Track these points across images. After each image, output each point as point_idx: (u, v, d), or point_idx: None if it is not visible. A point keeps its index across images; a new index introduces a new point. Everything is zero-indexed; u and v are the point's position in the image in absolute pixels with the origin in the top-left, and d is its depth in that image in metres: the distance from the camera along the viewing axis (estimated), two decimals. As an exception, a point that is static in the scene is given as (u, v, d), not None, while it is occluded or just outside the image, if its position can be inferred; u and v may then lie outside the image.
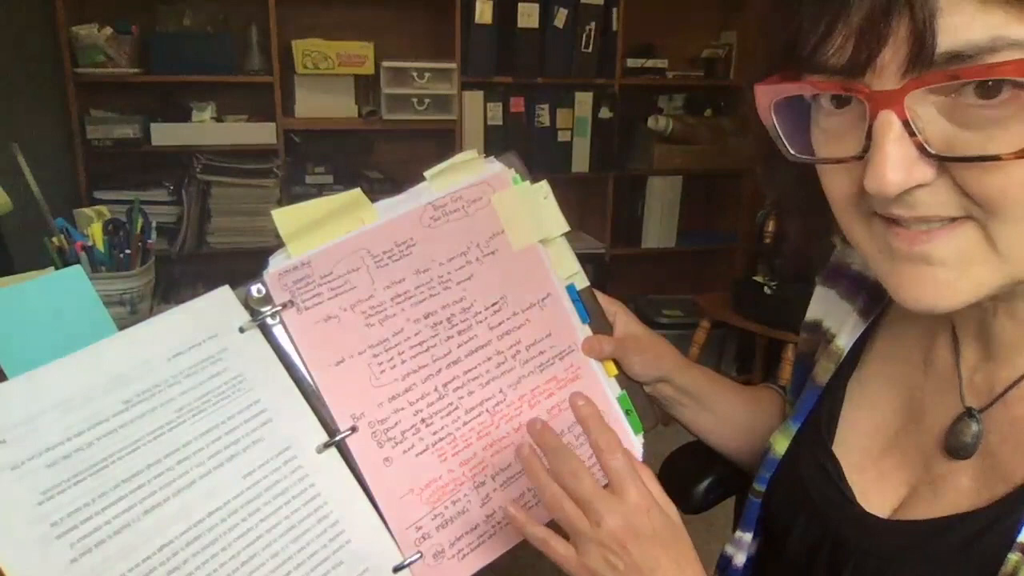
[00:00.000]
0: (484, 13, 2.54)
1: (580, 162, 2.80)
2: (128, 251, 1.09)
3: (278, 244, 0.64)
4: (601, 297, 0.78)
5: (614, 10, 2.67)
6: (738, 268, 2.93)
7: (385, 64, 2.49)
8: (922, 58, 0.41)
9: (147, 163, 2.48)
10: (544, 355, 0.72)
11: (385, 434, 0.65)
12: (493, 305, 0.71)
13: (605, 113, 2.76)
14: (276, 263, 0.64)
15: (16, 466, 0.52)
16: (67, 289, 0.63)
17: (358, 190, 0.67)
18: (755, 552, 0.72)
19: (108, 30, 2.26)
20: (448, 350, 0.68)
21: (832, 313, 0.71)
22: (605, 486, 0.58)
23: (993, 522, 0.51)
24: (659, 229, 3.00)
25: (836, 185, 0.50)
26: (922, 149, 0.43)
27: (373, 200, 0.68)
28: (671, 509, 0.59)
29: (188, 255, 2.43)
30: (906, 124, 0.43)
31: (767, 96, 0.50)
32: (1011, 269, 0.45)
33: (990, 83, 0.41)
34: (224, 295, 0.63)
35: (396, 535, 0.64)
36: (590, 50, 2.69)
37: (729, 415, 0.82)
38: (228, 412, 0.60)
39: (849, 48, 0.43)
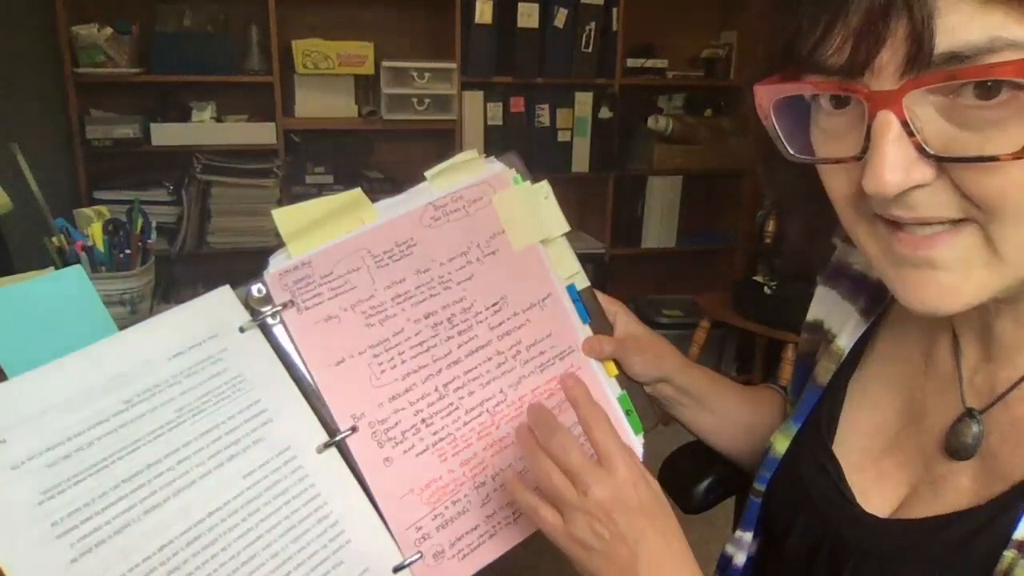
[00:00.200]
0: (484, 13, 2.54)
1: (580, 162, 2.80)
2: (128, 251, 1.09)
3: (278, 244, 0.64)
4: (601, 297, 0.78)
5: (614, 10, 2.67)
6: (738, 268, 2.93)
7: (385, 64, 2.49)
8: (920, 59, 0.41)
9: (147, 163, 2.48)
10: (544, 355, 0.72)
11: (385, 434, 0.65)
12: (493, 305, 0.71)
13: (605, 113, 2.76)
14: (276, 263, 0.64)
15: (16, 466, 0.52)
16: (67, 289, 0.63)
17: (358, 190, 0.67)
18: (755, 552, 0.72)
19: (108, 30, 2.26)
20: (448, 350, 0.68)
21: (833, 313, 0.71)
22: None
23: (990, 520, 0.51)
24: (659, 229, 2.99)
25: (837, 185, 0.50)
26: (921, 150, 0.43)
27: (373, 200, 0.68)
28: (655, 485, 0.59)
29: (188, 255, 2.43)
30: (904, 124, 0.43)
31: (766, 96, 0.50)
32: (1013, 271, 0.45)
33: (989, 84, 0.41)
34: (224, 295, 0.63)
35: (396, 535, 0.64)
36: (590, 50, 2.69)
37: (729, 415, 0.82)
38: (228, 412, 0.60)
39: (848, 48, 0.43)
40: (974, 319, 0.56)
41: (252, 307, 0.63)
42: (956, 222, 0.45)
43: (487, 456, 0.68)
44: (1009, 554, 0.49)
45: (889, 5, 0.41)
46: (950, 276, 0.46)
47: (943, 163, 0.43)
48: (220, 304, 0.63)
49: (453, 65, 2.55)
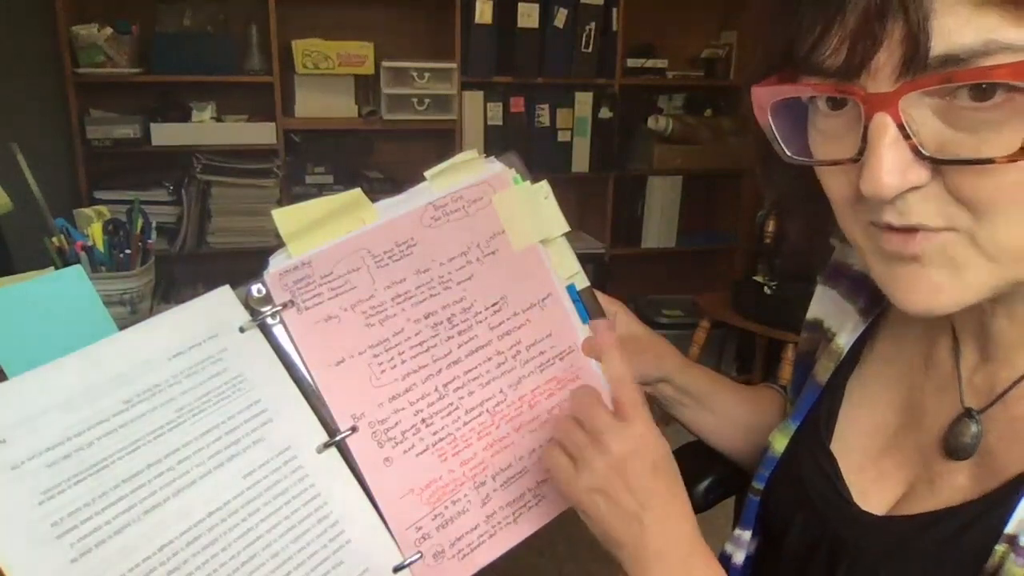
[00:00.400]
0: (484, 13, 2.54)
1: (580, 162, 2.80)
2: (128, 251, 1.09)
3: (278, 244, 0.64)
4: (601, 297, 0.78)
5: (614, 10, 2.68)
6: (738, 268, 2.94)
7: (385, 64, 2.49)
8: (916, 61, 0.41)
9: (147, 163, 2.48)
10: (544, 355, 0.72)
11: (385, 434, 0.65)
12: (493, 305, 0.71)
13: (605, 113, 2.76)
14: (276, 263, 0.64)
15: (16, 466, 0.52)
16: (67, 289, 0.63)
17: (358, 190, 0.67)
18: (755, 551, 0.72)
19: (108, 30, 2.27)
20: (448, 350, 0.68)
21: (833, 312, 0.71)
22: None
23: (982, 515, 0.51)
24: (659, 229, 3.00)
25: (835, 187, 0.50)
26: (916, 151, 0.43)
27: (373, 200, 0.68)
28: (668, 447, 0.61)
29: (188, 255, 2.44)
30: (901, 127, 0.43)
31: (764, 98, 0.50)
32: (1003, 272, 0.45)
33: (984, 86, 0.41)
34: (224, 295, 0.63)
35: (396, 535, 0.64)
36: (590, 50, 2.69)
37: (729, 415, 0.83)
38: (228, 412, 0.60)
39: (844, 50, 0.43)
40: (971, 319, 0.56)
41: (252, 307, 0.63)
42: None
43: (487, 456, 0.68)
44: (1000, 548, 0.49)
45: (885, 7, 0.41)
46: (940, 274, 0.46)
47: (939, 165, 0.43)
48: (220, 304, 0.63)
49: (453, 65, 2.55)
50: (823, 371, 0.68)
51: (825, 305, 0.73)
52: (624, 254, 2.98)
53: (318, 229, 0.65)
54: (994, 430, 0.54)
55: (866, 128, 0.44)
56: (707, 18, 3.03)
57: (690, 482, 0.87)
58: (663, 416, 0.80)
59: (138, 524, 0.54)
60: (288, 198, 2.51)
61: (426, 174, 0.70)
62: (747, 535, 0.71)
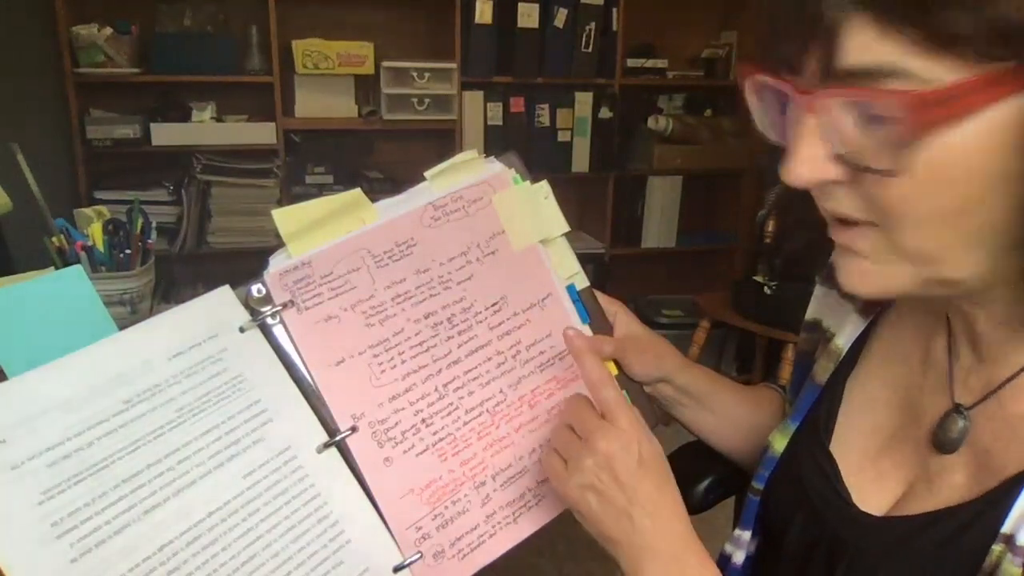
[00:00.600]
0: (484, 13, 2.54)
1: (580, 162, 2.80)
2: (128, 251, 1.09)
3: (278, 244, 0.64)
4: (601, 297, 0.78)
5: (614, 10, 2.68)
6: (738, 268, 2.94)
7: (385, 64, 2.49)
8: (830, 70, 0.45)
9: (147, 163, 2.48)
10: (544, 355, 0.72)
11: (385, 434, 0.65)
12: (493, 305, 0.71)
13: (605, 113, 2.76)
14: (276, 263, 0.64)
15: (16, 466, 0.52)
16: (67, 289, 0.63)
17: (358, 190, 0.67)
18: (754, 551, 0.72)
19: (108, 30, 2.27)
20: (448, 350, 0.68)
21: (832, 312, 0.71)
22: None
23: (979, 515, 0.52)
24: (659, 229, 3.00)
25: None
26: (831, 150, 0.47)
27: (373, 200, 0.68)
28: (656, 443, 0.62)
29: (188, 255, 2.44)
30: (820, 125, 0.46)
31: (743, 79, 0.53)
32: (920, 271, 0.48)
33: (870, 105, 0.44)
34: (224, 295, 0.63)
35: (396, 535, 0.64)
36: (590, 50, 2.69)
37: (729, 415, 0.83)
38: (228, 412, 0.60)
39: (783, 48, 0.48)
40: (962, 320, 0.57)
41: (252, 307, 0.63)
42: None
43: (487, 456, 0.68)
44: (997, 548, 0.49)
45: (816, 16, 0.44)
46: (868, 264, 0.50)
47: (847, 166, 0.47)
48: (220, 304, 0.63)
49: (453, 65, 2.55)
50: (822, 371, 0.69)
51: (824, 305, 0.73)
52: (624, 254, 2.98)
53: (318, 229, 0.65)
54: (989, 428, 0.54)
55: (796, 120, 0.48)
56: (707, 18, 3.03)
57: (690, 482, 0.87)
58: (663, 416, 0.80)
59: (138, 524, 0.54)
60: (288, 198, 2.51)
61: (426, 174, 0.70)
62: (747, 535, 0.71)
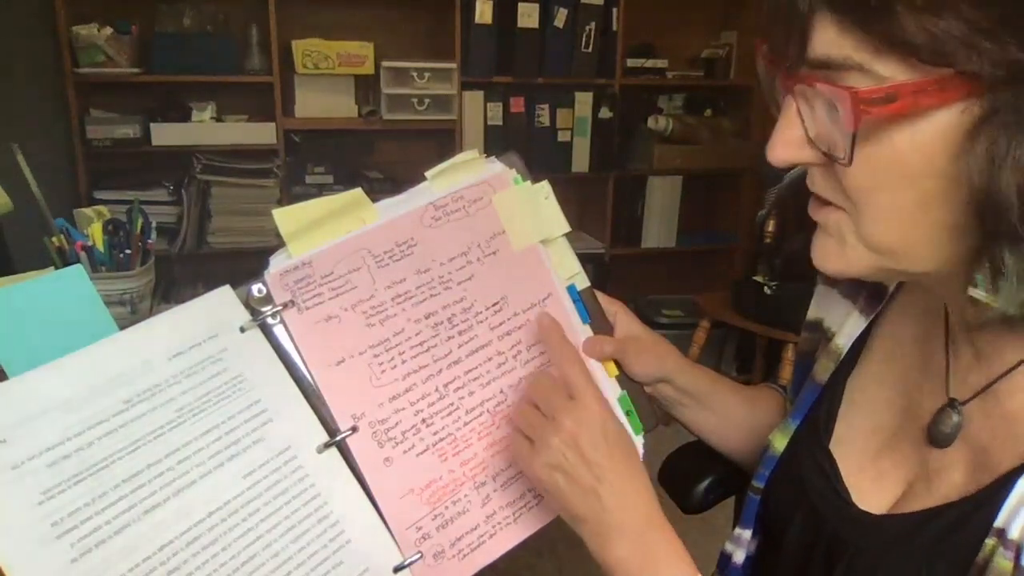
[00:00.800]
0: (484, 13, 2.54)
1: (580, 162, 2.80)
2: (128, 251, 1.09)
3: (278, 244, 0.64)
4: (601, 297, 0.78)
5: (614, 10, 2.68)
6: (738, 268, 2.94)
7: (385, 64, 2.49)
8: (802, 58, 0.48)
9: (147, 163, 2.48)
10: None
11: (385, 434, 0.65)
12: (494, 305, 0.71)
13: (605, 113, 2.76)
14: (277, 263, 0.64)
15: (16, 466, 0.52)
16: (67, 289, 0.63)
17: (359, 190, 0.67)
18: (755, 551, 0.72)
19: (108, 30, 2.27)
20: (449, 350, 0.68)
21: (833, 312, 0.71)
22: None
23: (974, 510, 0.52)
24: (659, 229, 3.00)
25: None
26: (807, 134, 0.49)
27: (373, 200, 0.68)
28: (621, 424, 0.63)
29: (188, 255, 2.44)
30: (800, 109, 0.49)
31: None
32: (880, 261, 0.51)
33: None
34: (224, 295, 0.63)
35: (396, 535, 0.64)
36: (590, 50, 2.69)
37: (730, 415, 0.83)
38: (228, 412, 0.60)
39: (773, 32, 0.50)
40: (960, 319, 0.57)
41: (252, 307, 0.63)
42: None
43: (487, 456, 0.68)
44: (990, 542, 0.50)
45: (792, 7, 0.48)
46: (831, 242, 0.53)
47: (816, 151, 0.49)
48: (220, 304, 0.63)
49: (453, 65, 2.55)
50: (822, 371, 0.69)
51: (825, 305, 0.73)
52: (624, 254, 2.98)
53: (318, 229, 0.65)
54: (988, 426, 0.55)
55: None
56: (707, 18, 3.03)
57: (690, 482, 0.87)
58: (663, 416, 0.80)
59: (138, 524, 0.54)
60: (288, 198, 2.51)
61: (427, 174, 0.70)
62: (747, 534, 0.72)
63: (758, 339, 2.59)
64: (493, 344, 0.70)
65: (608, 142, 2.80)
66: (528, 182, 0.74)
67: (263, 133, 2.46)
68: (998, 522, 0.50)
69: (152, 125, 2.39)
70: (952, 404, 0.57)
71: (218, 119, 2.48)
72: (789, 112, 0.50)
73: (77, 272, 0.65)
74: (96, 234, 1.07)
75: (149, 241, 1.13)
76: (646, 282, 3.13)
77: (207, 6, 2.46)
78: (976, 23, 0.42)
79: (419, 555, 0.64)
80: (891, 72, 0.44)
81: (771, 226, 2.31)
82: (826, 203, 0.52)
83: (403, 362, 0.66)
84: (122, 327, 0.61)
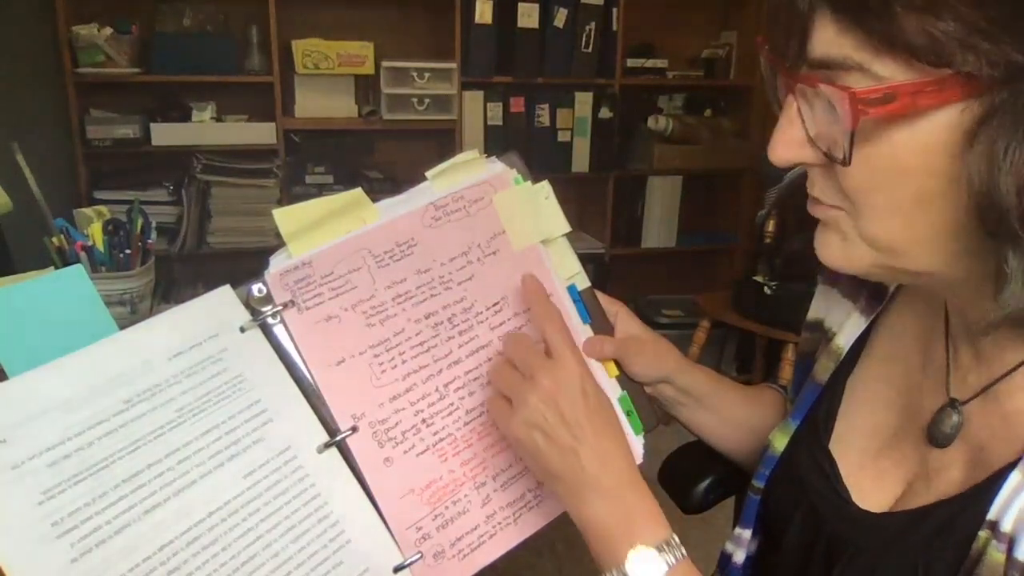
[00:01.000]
0: (484, 13, 2.54)
1: (580, 162, 2.80)
2: (128, 251, 1.09)
3: (278, 244, 0.64)
4: (602, 297, 0.78)
5: (614, 10, 2.68)
6: (738, 268, 2.94)
7: (385, 64, 2.49)
8: (802, 58, 0.48)
9: (147, 163, 2.48)
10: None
11: (386, 434, 0.65)
12: (494, 305, 0.71)
13: (605, 113, 2.76)
14: (277, 263, 0.64)
15: (16, 466, 0.52)
16: (67, 288, 0.63)
17: (359, 190, 0.67)
18: (755, 550, 0.72)
19: (108, 30, 2.27)
20: (449, 350, 0.68)
21: (833, 311, 0.71)
22: None
23: (968, 504, 0.53)
24: (659, 229, 3.00)
25: None
26: (808, 134, 0.49)
27: (374, 200, 0.68)
28: (599, 385, 0.64)
29: (188, 255, 2.44)
30: (801, 109, 0.49)
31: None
32: (880, 258, 0.51)
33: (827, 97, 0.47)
34: (225, 295, 0.63)
35: (396, 535, 0.64)
36: (590, 50, 2.69)
37: (730, 415, 0.83)
38: (228, 412, 0.60)
39: (776, 31, 0.51)
40: (961, 320, 0.57)
41: (253, 307, 0.63)
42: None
43: (487, 456, 0.68)
44: (983, 534, 0.50)
45: (793, 7, 0.48)
46: (834, 239, 0.53)
47: (816, 151, 0.49)
48: (220, 304, 0.63)
49: (453, 65, 2.55)
50: (823, 371, 0.69)
51: (826, 305, 0.73)
52: (624, 254, 2.98)
53: (319, 229, 0.65)
54: (987, 425, 0.55)
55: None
56: (707, 18, 3.03)
57: (690, 482, 0.87)
58: (663, 416, 0.80)
59: (138, 524, 0.54)
60: (288, 198, 2.51)
61: (427, 174, 0.70)
62: (747, 534, 0.72)
63: (758, 339, 2.59)
64: (493, 344, 0.70)
65: (608, 142, 2.80)
66: (528, 182, 0.74)
67: (263, 133, 2.46)
68: (991, 515, 0.50)
69: (152, 125, 2.39)
70: (952, 404, 0.57)
71: (218, 119, 2.48)
72: (790, 111, 0.50)
73: (77, 272, 0.65)
74: (96, 234, 1.07)
75: (149, 241, 1.13)
76: (646, 282, 3.13)
77: (207, 6, 2.46)
78: (974, 24, 0.42)
79: (419, 555, 0.64)
80: (890, 72, 0.44)
81: (771, 226, 2.31)
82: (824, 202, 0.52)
83: (403, 362, 0.66)
84: (122, 327, 0.61)
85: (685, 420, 0.83)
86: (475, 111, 2.66)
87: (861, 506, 0.60)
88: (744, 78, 2.95)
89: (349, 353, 0.65)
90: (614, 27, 2.70)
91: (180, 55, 2.35)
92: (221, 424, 0.59)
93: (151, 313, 1.06)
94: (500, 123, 2.69)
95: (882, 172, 0.47)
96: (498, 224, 0.72)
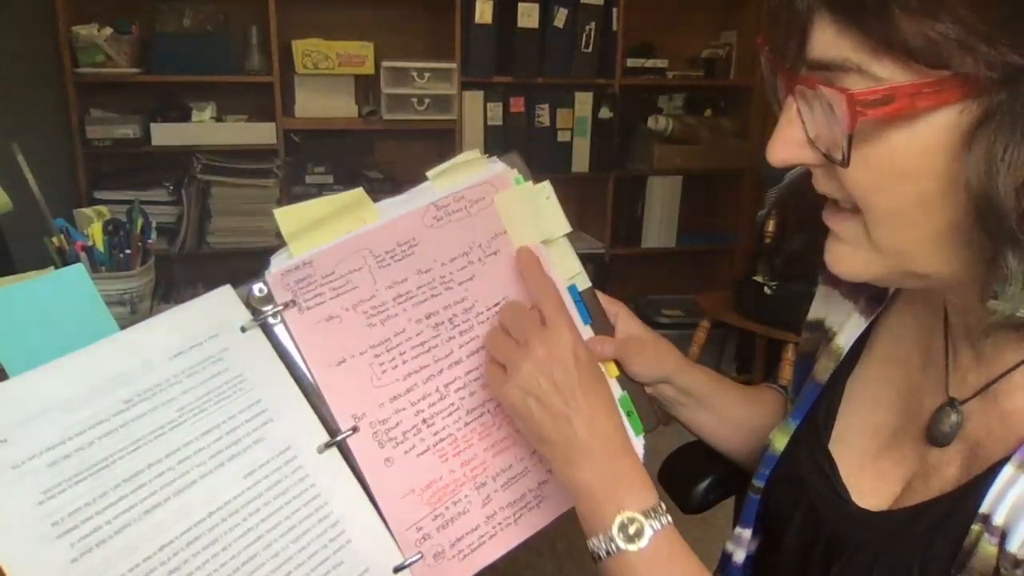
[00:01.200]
0: (484, 13, 2.54)
1: (580, 162, 2.80)
2: (128, 251, 1.09)
3: (278, 244, 0.64)
4: (602, 297, 0.78)
5: (614, 10, 2.68)
6: (738, 268, 2.94)
7: (385, 64, 2.49)
8: (801, 59, 0.48)
9: (147, 163, 2.48)
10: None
11: (386, 434, 0.65)
12: (495, 305, 0.71)
13: (605, 113, 2.76)
14: (278, 262, 0.64)
15: (17, 465, 0.52)
16: (68, 288, 0.63)
17: (360, 190, 0.67)
18: (755, 550, 0.72)
19: (108, 30, 2.27)
20: (450, 350, 0.68)
21: (834, 312, 0.71)
22: None
23: (961, 500, 0.53)
24: (659, 229, 3.00)
25: None
26: (806, 134, 0.50)
27: (374, 200, 0.68)
28: (591, 355, 0.64)
29: (188, 255, 2.44)
30: (800, 110, 0.49)
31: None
32: (891, 262, 0.51)
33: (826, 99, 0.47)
34: (225, 294, 0.63)
35: (397, 535, 0.64)
36: (590, 50, 2.69)
37: (730, 415, 0.83)
38: (229, 412, 0.60)
39: (775, 33, 0.51)
40: (960, 320, 0.58)
41: (253, 307, 0.63)
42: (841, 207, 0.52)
43: (488, 457, 0.68)
44: (976, 528, 0.51)
45: (792, 8, 0.48)
46: (846, 248, 0.53)
47: (816, 151, 0.49)
48: (221, 304, 0.63)
49: (453, 65, 2.55)
50: (823, 371, 0.69)
51: (827, 305, 0.73)
52: (624, 254, 2.98)
53: (319, 229, 0.65)
54: (985, 424, 0.55)
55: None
56: (707, 18, 3.03)
57: (690, 482, 0.87)
58: (664, 416, 0.80)
59: (138, 524, 0.54)
60: (288, 198, 2.51)
61: (428, 174, 0.70)
62: (747, 533, 0.72)
63: (758, 339, 2.59)
64: (494, 344, 0.70)
65: (608, 142, 2.80)
66: (529, 182, 0.74)
67: (263, 133, 2.46)
68: (983, 508, 0.51)
69: (152, 125, 2.39)
70: (952, 403, 0.57)
71: (218, 119, 2.48)
72: (789, 112, 0.50)
73: (77, 272, 0.64)
74: (96, 234, 1.07)
75: (149, 241, 1.13)
76: (646, 282, 3.13)
77: (207, 6, 2.46)
78: (972, 25, 0.42)
79: (419, 555, 0.64)
80: (888, 74, 0.44)
81: (771, 226, 2.31)
82: (840, 209, 0.52)
83: (404, 362, 0.66)
84: (122, 327, 0.61)
85: (685, 420, 0.83)
86: (475, 111, 2.66)
87: (861, 506, 0.61)
88: (744, 78, 2.95)
89: (350, 353, 0.65)
90: (614, 27, 2.70)
91: (180, 55, 2.35)
92: (221, 424, 0.59)
93: (151, 313, 1.06)
94: (500, 123, 2.69)
95: (882, 173, 0.47)
96: (499, 224, 0.72)
